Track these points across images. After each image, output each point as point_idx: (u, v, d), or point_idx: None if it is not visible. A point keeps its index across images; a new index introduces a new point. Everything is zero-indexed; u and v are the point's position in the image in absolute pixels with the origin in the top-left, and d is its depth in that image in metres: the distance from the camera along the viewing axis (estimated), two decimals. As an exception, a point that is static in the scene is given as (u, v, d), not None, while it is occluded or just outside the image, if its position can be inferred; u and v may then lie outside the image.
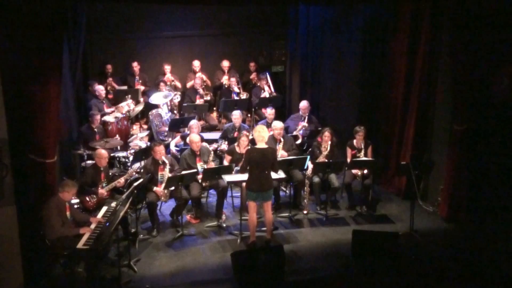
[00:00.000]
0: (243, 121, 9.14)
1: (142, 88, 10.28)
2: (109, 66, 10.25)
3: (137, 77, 10.34)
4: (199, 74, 10.39)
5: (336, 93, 9.67)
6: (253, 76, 10.81)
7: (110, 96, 9.89)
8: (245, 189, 7.04)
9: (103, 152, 6.89)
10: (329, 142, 7.54)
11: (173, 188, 6.94)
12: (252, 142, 7.79)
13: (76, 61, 8.32)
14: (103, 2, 9.79)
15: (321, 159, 7.55)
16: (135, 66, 10.37)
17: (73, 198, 6.04)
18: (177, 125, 9.23)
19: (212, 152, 7.60)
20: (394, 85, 8.31)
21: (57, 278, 5.81)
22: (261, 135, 6.39)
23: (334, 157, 7.62)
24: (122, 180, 6.87)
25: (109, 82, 10.20)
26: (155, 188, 6.95)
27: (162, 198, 7.02)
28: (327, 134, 7.57)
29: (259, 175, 6.32)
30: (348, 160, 7.69)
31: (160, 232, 6.98)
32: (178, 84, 10.53)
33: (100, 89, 9.36)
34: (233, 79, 10.37)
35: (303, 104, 8.88)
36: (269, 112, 8.68)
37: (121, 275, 5.70)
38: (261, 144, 6.40)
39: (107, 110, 9.27)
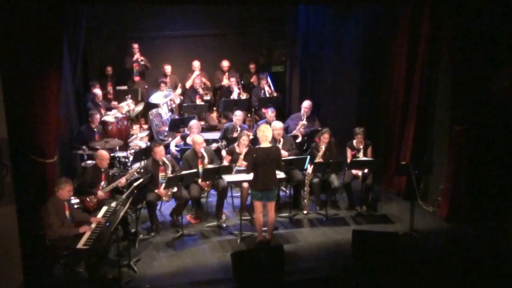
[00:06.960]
0: (243, 121, 9.14)
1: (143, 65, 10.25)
2: (109, 68, 10.18)
3: (136, 57, 10.22)
4: (196, 73, 10.36)
5: (336, 93, 9.66)
6: (253, 79, 10.82)
7: (110, 96, 9.87)
8: (248, 189, 7.03)
9: (104, 153, 6.85)
10: (325, 142, 7.53)
11: (175, 189, 6.92)
12: (252, 142, 7.80)
13: (76, 61, 8.33)
14: (103, 2, 9.78)
15: (317, 159, 7.55)
16: (136, 47, 10.26)
17: (71, 196, 5.98)
18: (177, 125, 9.23)
19: (215, 156, 7.58)
20: (394, 85, 8.29)
21: (57, 278, 5.80)
22: (265, 134, 6.38)
23: (332, 157, 7.61)
24: (123, 180, 6.86)
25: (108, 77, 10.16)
26: (156, 190, 6.94)
27: (165, 198, 7.02)
28: (326, 135, 7.56)
29: (264, 174, 6.31)
30: (348, 160, 7.69)
31: (160, 232, 6.98)
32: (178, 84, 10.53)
33: (97, 93, 9.27)
34: (233, 79, 10.37)
35: (307, 103, 8.82)
36: (270, 114, 8.63)
37: (121, 275, 5.70)
38: (265, 144, 6.39)
39: (108, 112, 9.24)
